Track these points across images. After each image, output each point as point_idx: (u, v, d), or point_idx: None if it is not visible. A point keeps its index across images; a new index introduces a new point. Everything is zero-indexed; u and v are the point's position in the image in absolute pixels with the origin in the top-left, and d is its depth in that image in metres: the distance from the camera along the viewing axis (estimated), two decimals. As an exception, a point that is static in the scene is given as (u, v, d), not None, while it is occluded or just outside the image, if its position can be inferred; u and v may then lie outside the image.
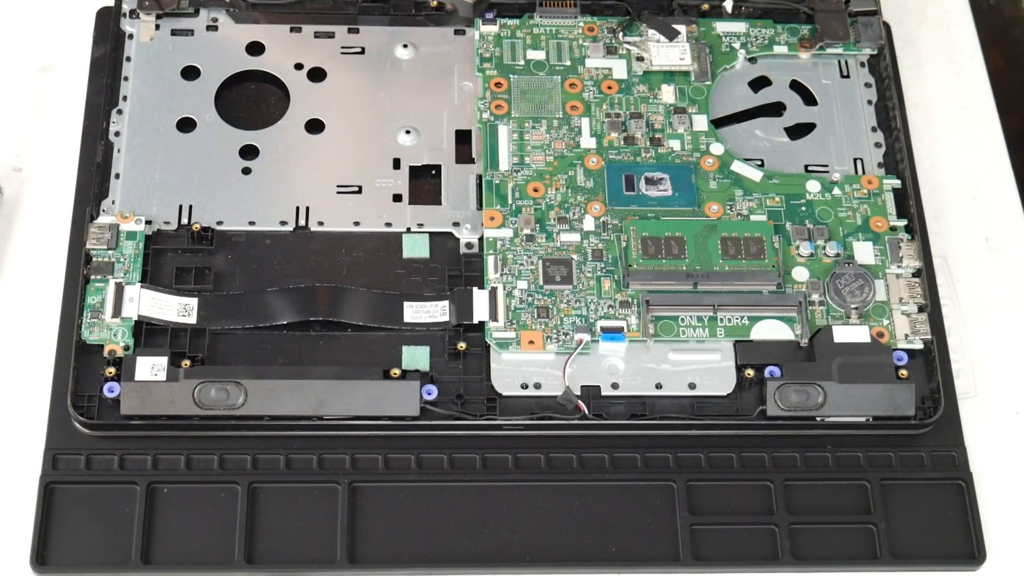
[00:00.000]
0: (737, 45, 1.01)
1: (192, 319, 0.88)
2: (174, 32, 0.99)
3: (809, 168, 0.97)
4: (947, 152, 1.02)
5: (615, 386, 0.88)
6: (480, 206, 0.94)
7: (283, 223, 0.93)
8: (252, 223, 0.93)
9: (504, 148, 0.95)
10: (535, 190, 0.94)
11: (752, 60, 1.01)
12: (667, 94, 0.98)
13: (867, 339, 0.89)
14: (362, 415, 0.86)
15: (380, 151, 0.96)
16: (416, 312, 0.90)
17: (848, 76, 1.00)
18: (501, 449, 0.87)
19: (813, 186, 0.95)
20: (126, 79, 0.97)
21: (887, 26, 1.03)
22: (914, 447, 0.88)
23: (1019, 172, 1.02)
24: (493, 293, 0.90)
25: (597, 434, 0.87)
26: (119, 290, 0.88)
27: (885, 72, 1.00)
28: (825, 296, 0.91)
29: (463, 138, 0.97)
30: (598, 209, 0.93)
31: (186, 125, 0.96)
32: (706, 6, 1.02)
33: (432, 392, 0.87)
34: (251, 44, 1.00)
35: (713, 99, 0.99)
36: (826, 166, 0.97)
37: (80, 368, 0.86)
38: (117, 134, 0.95)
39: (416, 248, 0.92)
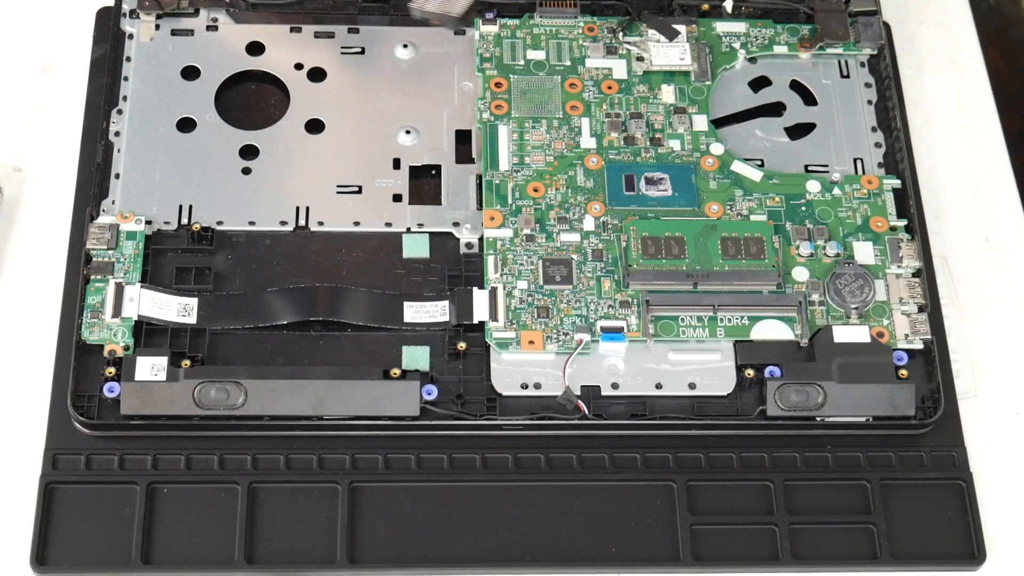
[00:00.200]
0: (737, 45, 1.01)
1: (192, 319, 0.88)
2: (174, 32, 0.99)
3: (809, 168, 0.97)
4: (947, 152, 1.02)
5: (615, 386, 0.88)
6: (480, 206, 0.94)
7: (283, 223, 0.93)
8: (252, 223, 0.93)
9: (504, 148, 0.95)
10: (535, 190, 0.94)
11: (752, 60, 1.01)
12: (667, 94, 0.98)
13: (867, 339, 0.89)
14: (362, 415, 0.86)
15: (380, 151, 0.96)
16: (416, 312, 0.90)
17: (848, 76, 1.00)
18: (501, 449, 0.87)
19: (813, 186, 0.95)
20: (126, 79, 0.97)
21: (887, 26, 1.03)
22: (914, 447, 0.88)
23: (1019, 172, 1.02)
24: (493, 293, 0.90)
25: (597, 434, 0.87)
26: (119, 290, 0.88)
27: (885, 72, 1.00)
28: (825, 296, 0.91)
29: (463, 138, 0.97)
30: (598, 209, 0.93)
31: (186, 125, 0.96)
32: (706, 6, 1.02)
33: (432, 392, 0.87)
34: (251, 44, 1.00)
35: (713, 99, 0.99)
36: (826, 166, 0.97)
37: (80, 368, 0.86)
38: (117, 134, 0.95)
39: (416, 248, 0.92)
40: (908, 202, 0.95)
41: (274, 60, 0.99)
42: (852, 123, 0.99)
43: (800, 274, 0.92)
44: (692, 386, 0.88)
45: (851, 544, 0.86)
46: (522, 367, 0.88)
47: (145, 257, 0.90)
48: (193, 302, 0.89)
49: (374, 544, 0.84)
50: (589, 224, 0.93)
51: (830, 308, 0.91)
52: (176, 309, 0.88)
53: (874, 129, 0.98)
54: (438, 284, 0.91)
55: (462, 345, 0.89)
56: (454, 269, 0.92)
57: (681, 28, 1.01)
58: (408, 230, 0.93)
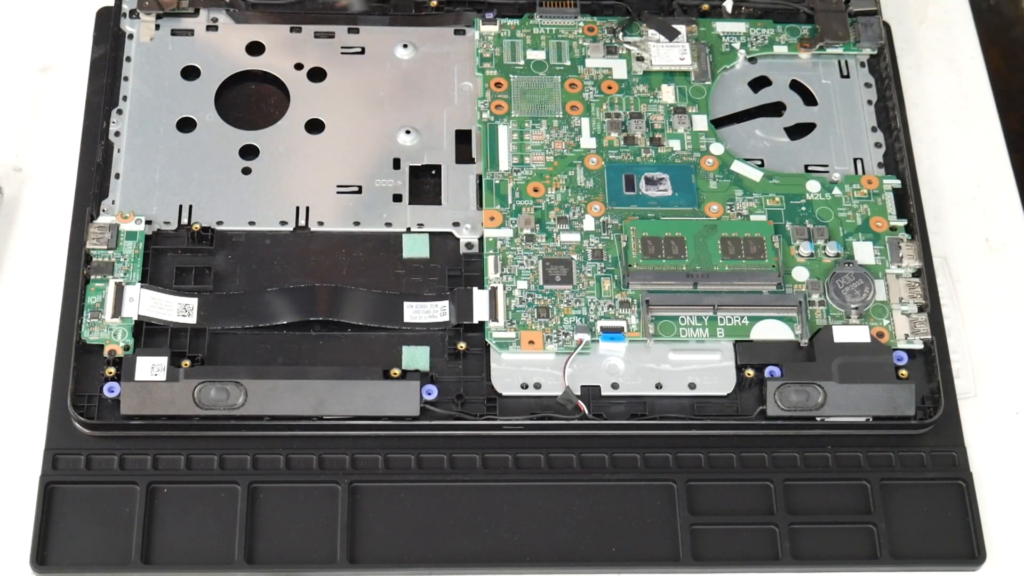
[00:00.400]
0: (737, 45, 1.01)
1: (192, 319, 0.88)
2: (174, 32, 0.99)
3: (809, 168, 0.97)
4: (947, 152, 1.02)
5: (615, 386, 0.88)
6: (480, 206, 0.94)
7: (283, 223, 0.93)
8: (252, 223, 0.93)
9: (504, 148, 0.95)
10: (535, 190, 0.94)
11: (752, 60, 1.01)
12: (667, 94, 0.98)
13: (867, 339, 0.89)
14: (362, 415, 0.86)
15: (380, 151, 0.96)
16: (416, 312, 0.90)
17: (848, 76, 1.00)
18: (501, 449, 0.87)
19: (813, 186, 0.95)
20: (126, 79, 0.97)
21: (887, 26, 1.03)
22: (914, 447, 0.88)
23: (1019, 172, 1.02)
24: (493, 293, 0.90)
25: (597, 434, 0.87)
26: (119, 290, 0.88)
27: (885, 72, 1.00)
28: (825, 296, 0.91)
29: (463, 138, 0.97)
30: (598, 209, 0.93)
31: (186, 125, 0.96)
32: (706, 6, 1.02)
33: (432, 392, 0.87)
34: (251, 44, 1.00)
35: (713, 99, 0.99)
36: (826, 166, 0.97)
37: (80, 368, 0.86)
38: (117, 134, 0.95)
39: (416, 248, 0.92)
40: (908, 202, 0.95)
41: (274, 60, 0.99)
42: (852, 123, 0.99)
43: (800, 274, 0.92)
44: (692, 386, 0.88)
45: (851, 544, 0.86)
46: (522, 367, 0.88)
47: (145, 257, 0.90)
48: (193, 302, 0.89)
49: (374, 544, 0.84)
50: (589, 224, 0.93)
51: (830, 308, 0.91)
52: (176, 309, 0.88)
53: (874, 129, 0.98)
54: (438, 284, 0.91)
55: (462, 345, 0.89)
56: (454, 269, 0.92)
57: (681, 28, 1.01)
58: (408, 230, 0.93)
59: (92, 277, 0.89)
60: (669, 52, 1.00)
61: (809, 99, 1.00)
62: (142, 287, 0.88)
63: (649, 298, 0.90)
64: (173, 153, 0.95)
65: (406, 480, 0.86)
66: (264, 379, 0.86)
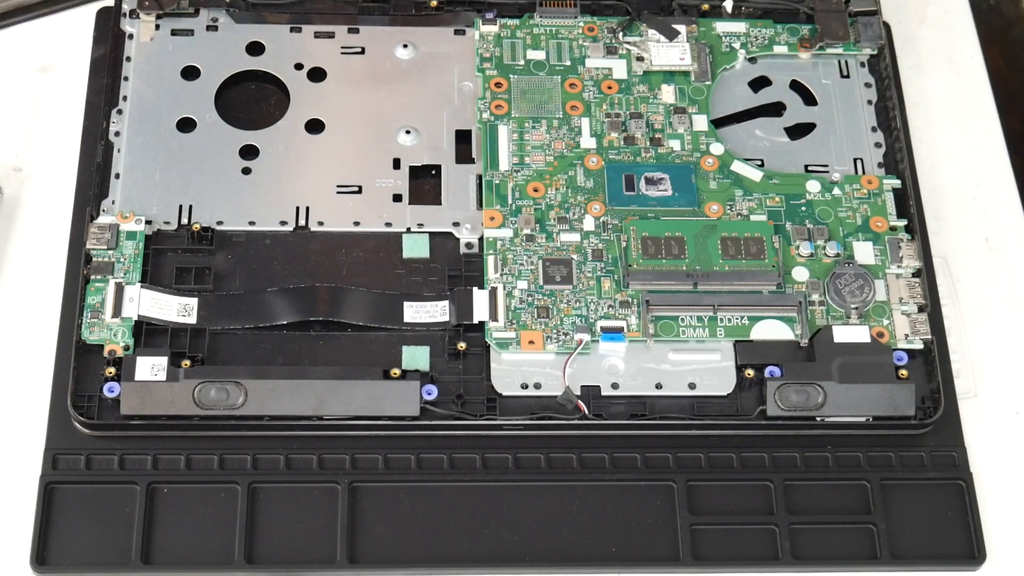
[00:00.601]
0: (737, 45, 1.01)
1: (192, 319, 0.88)
2: (174, 32, 0.99)
3: (809, 168, 0.97)
4: (947, 152, 1.02)
5: (615, 386, 0.88)
6: (480, 206, 0.94)
7: (283, 223, 0.93)
8: (252, 223, 0.93)
9: (504, 148, 0.95)
10: (535, 190, 0.94)
11: (752, 60, 1.01)
12: (667, 94, 0.98)
13: (867, 339, 0.89)
14: (362, 415, 0.86)
15: (380, 151, 0.96)
16: (416, 312, 0.90)
17: (848, 76, 1.00)
18: (501, 449, 0.87)
19: (813, 186, 0.95)
20: (126, 79, 0.97)
21: (887, 26, 1.03)
22: (914, 447, 0.88)
23: (1019, 172, 1.02)
24: (493, 293, 0.90)
25: (597, 434, 0.87)
26: (119, 290, 0.88)
27: (885, 72, 1.00)
28: (825, 296, 0.91)
29: (463, 138, 0.97)
30: (598, 209, 0.93)
31: (186, 125, 0.96)
32: (706, 6, 1.02)
33: (432, 392, 0.87)
34: (251, 44, 1.00)
35: (713, 99, 0.99)
36: (826, 166, 0.97)
37: (80, 368, 0.86)
38: (117, 134, 0.95)
39: (416, 248, 0.92)
40: (908, 202, 0.95)
41: (274, 60, 0.99)
42: (852, 123, 0.99)
43: (800, 274, 0.92)
44: (692, 386, 0.88)
45: (851, 544, 0.86)
46: (522, 367, 0.88)
47: (145, 257, 0.90)
48: (193, 302, 0.89)
49: (374, 544, 0.84)
50: (589, 224, 0.93)
51: (830, 308, 0.91)
52: (176, 309, 0.88)
53: (874, 129, 0.98)
54: (438, 284, 0.91)
55: (462, 345, 0.89)
56: (454, 269, 0.92)
57: (681, 28, 1.01)
58: (408, 230, 0.93)
59: (92, 277, 0.89)
60: (669, 52, 1.00)
61: (809, 99, 1.00)
62: (142, 287, 0.88)
63: (649, 298, 0.90)
64: (173, 153, 0.95)
65: (406, 480, 0.86)
66: (264, 379, 0.86)
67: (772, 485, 0.87)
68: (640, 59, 1.00)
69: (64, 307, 0.89)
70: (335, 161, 0.95)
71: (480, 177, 0.95)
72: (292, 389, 0.86)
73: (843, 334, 0.89)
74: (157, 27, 0.99)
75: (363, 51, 1.00)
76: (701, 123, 0.97)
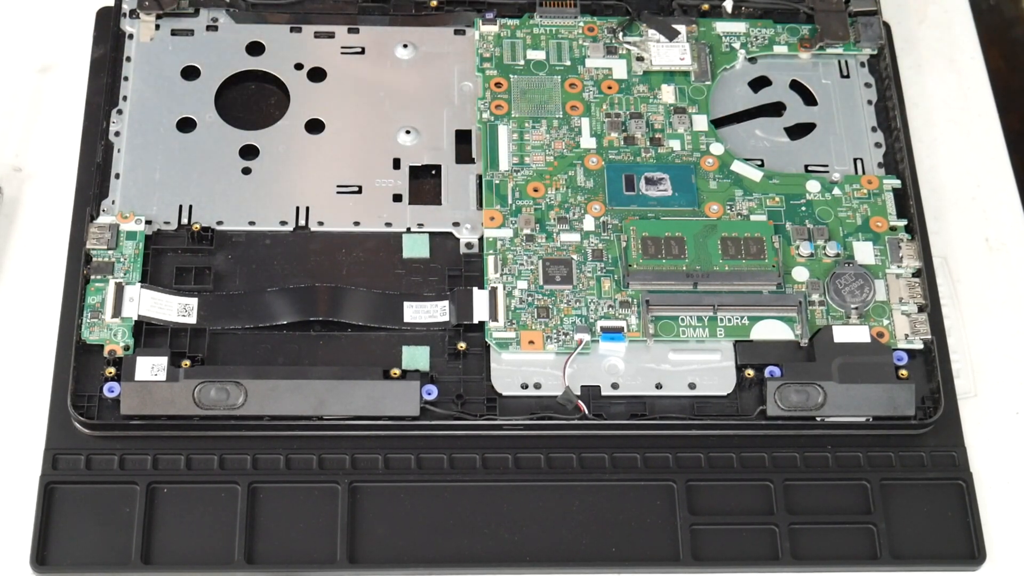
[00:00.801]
0: (737, 45, 1.01)
1: (192, 319, 0.88)
2: (174, 32, 0.99)
3: (809, 168, 0.97)
4: (947, 152, 1.02)
5: (615, 386, 0.88)
6: (480, 206, 0.94)
7: (283, 223, 0.93)
8: (252, 223, 0.93)
9: (504, 148, 0.95)
10: (535, 190, 0.94)
11: (752, 60, 1.01)
12: (667, 94, 0.98)
13: (867, 339, 0.89)
14: (362, 415, 0.86)
15: (380, 151, 0.96)
16: (416, 312, 0.90)
17: (848, 76, 1.00)
18: (501, 449, 0.87)
19: (813, 186, 0.95)
20: (126, 79, 0.97)
21: (887, 26, 1.03)
22: (914, 447, 0.88)
23: (1019, 172, 1.02)
24: (493, 293, 0.90)
25: (597, 434, 0.87)
26: (119, 290, 0.88)
27: (885, 72, 1.00)
28: (825, 296, 0.91)
29: (463, 138, 0.97)
30: (598, 209, 0.93)
31: (186, 125, 0.96)
32: (706, 6, 1.02)
33: (432, 392, 0.87)
34: (251, 44, 1.00)
35: (713, 99, 0.99)
36: (826, 166, 0.97)
37: (80, 368, 0.86)
38: (117, 134, 0.95)
39: (416, 248, 0.92)
40: (908, 202, 0.95)
41: (274, 60, 0.99)
42: (852, 123, 0.99)
43: (800, 274, 0.92)
44: (692, 386, 0.88)
45: (851, 544, 0.86)
46: (522, 367, 0.88)
47: (145, 257, 0.90)
48: (193, 302, 0.89)
49: (374, 544, 0.84)
50: (589, 224, 0.93)
51: (830, 308, 0.91)
52: (176, 309, 0.88)
53: (874, 129, 0.98)
54: (438, 284, 0.91)
55: (462, 345, 0.89)
56: (454, 269, 0.92)
57: (681, 28, 1.01)
58: (408, 230, 0.93)
59: (92, 277, 0.89)
60: (669, 52, 1.00)
61: (809, 99, 1.00)
62: (142, 287, 0.88)
63: (649, 298, 0.90)
64: (173, 153, 0.95)
65: (406, 480, 0.86)
66: (264, 379, 0.86)
67: (772, 485, 0.87)
68: (640, 59, 1.00)
69: (64, 307, 0.89)
70: (335, 161, 0.95)
71: (480, 177, 0.95)
72: (292, 389, 0.86)
73: (843, 334, 0.89)
74: (157, 27, 0.99)
75: (363, 51, 1.00)
76: (701, 123, 0.97)
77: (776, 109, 1.00)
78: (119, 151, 0.94)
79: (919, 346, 0.90)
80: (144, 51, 0.98)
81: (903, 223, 0.94)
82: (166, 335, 0.88)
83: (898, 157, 0.97)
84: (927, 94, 1.04)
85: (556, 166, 0.95)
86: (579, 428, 0.87)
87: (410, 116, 0.97)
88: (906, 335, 0.90)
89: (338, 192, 0.94)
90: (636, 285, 0.90)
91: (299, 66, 0.99)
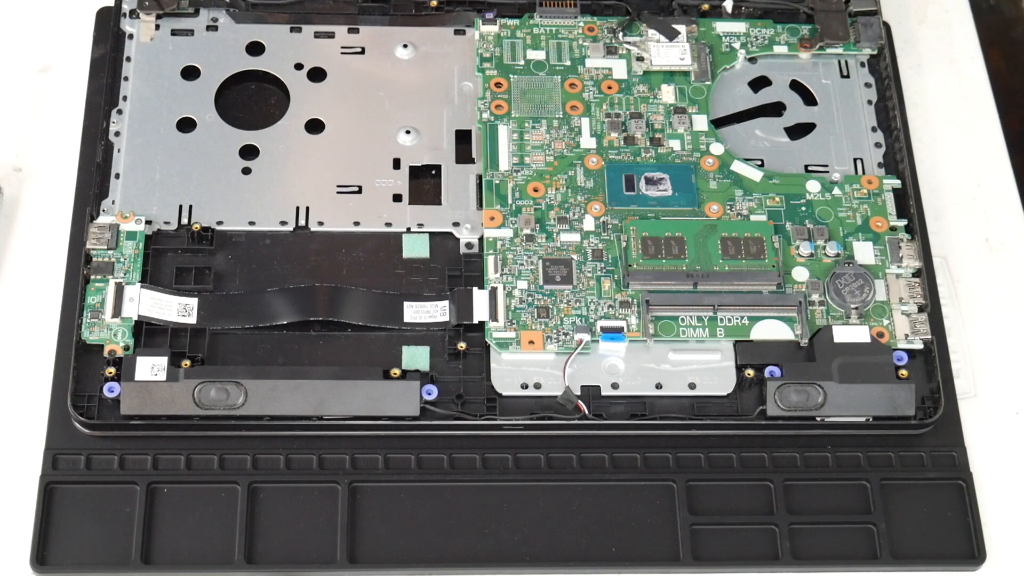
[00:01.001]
0: (737, 45, 1.01)
1: (192, 319, 0.88)
2: (174, 32, 0.99)
3: (809, 168, 0.97)
4: (947, 152, 1.02)
5: (615, 386, 0.88)
6: (480, 206, 0.94)
7: (283, 223, 0.93)
8: (252, 223, 0.93)
9: (504, 148, 0.95)
10: (535, 190, 0.94)
11: (752, 60, 1.01)
12: (667, 94, 0.98)
13: (867, 339, 0.89)
14: (362, 415, 0.86)
15: (380, 151, 0.96)
16: (416, 312, 0.90)
17: (848, 76, 1.00)
18: (501, 449, 0.87)
19: (813, 186, 0.95)
20: (126, 79, 0.97)
21: (887, 26, 1.03)
22: (914, 447, 0.88)
23: (1019, 172, 1.02)
24: (493, 293, 0.90)
25: (597, 434, 0.87)
26: (119, 290, 0.88)
27: (885, 72, 1.00)
28: (825, 296, 0.91)
29: (463, 138, 0.97)
30: (598, 209, 0.93)
31: (186, 125, 0.96)
32: (706, 6, 1.02)
33: (432, 392, 0.87)
34: (251, 44, 1.00)
35: (713, 99, 0.99)
36: (826, 166, 0.97)
37: (80, 368, 0.86)
38: (117, 134, 0.95)
39: (416, 248, 0.92)
40: (908, 202, 0.95)
41: (274, 60, 0.99)
42: (852, 123, 0.99)
43: (800, 274, 0.92)
44: (692, 386, 0.88)
45: (851, 544, 0.86)
46: (522, 367, 0.88)
47: (145, 257, 0.90)
48: (193, 302, 0.89)
49: (374, 544, 0.84)
50: (589, 224, 0.93)
51: (830, 308, 0.91)
52: (176, 309, 0.88)
53: (874, 129, 0.98)
54: (438, 284, 0.91)
55: (462, 345, 0.89)
56: (454, 269, 0.92)
57: (681, 28, 1.01)
58: (408, 230, 0.93)
59: (92, 277, 0.89)
60: (669, 52, 1.00)
61: (809, 99, 1.00)
62: (142, 287, 0.88)
63: (649, 298, 0.90)
64: (173, 153, 0.95)
65: (406, 480, 0.86)
66: (264, 379, 0.86)
67: (772, 485, 0.87)
68: (640, 59, 1.00)
69: (64, 307, 0.89)
70: (335, 161, 0.95)
71: (480, 177, 0.95)
72: (292, 389, 0.86)
73: (843, 334, 0.89)
74: (157, 27, 0.99)
75: (363, 51, 1.00)
76: (701, 123, 0.97)
77: (776, 109, 1.00)
78: (119, 151, 0.94)
79: (919, 346, 0.90)
80: (144, 51, 0.98)
81: (903, 223, 0.94)
82: (166, 335, 0.88)
83: (898, 157, 0.97)
84: (927, 94, 1.04)
85: (556, 166, 0.95)
86: (579, 428, 0.87)
87: (410, 116, 0.97)
88: (906, 335, 0.90)
89: (338, 192, 0.94)
90: (636, 285, 0.90)
91: (299, 66, 0.99)
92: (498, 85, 0.98)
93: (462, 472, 0.86)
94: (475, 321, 0.89)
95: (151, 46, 0.99)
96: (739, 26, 1.01)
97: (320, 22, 1.01)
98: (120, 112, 0.96)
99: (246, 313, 0.89)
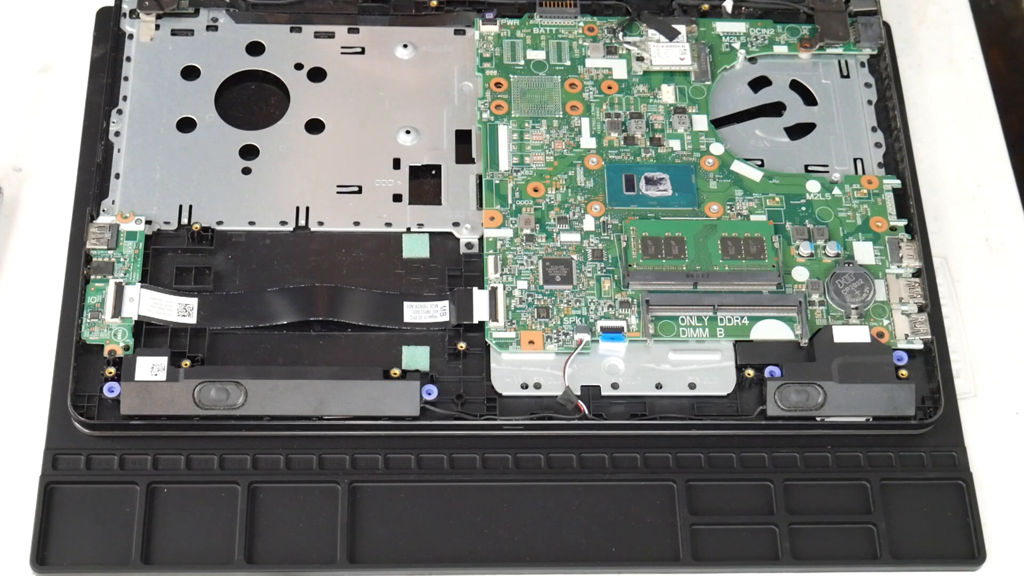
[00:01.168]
0: (737, 45, 1.01)
1: (192, 319, 0.88)
2: (174, 32, 0.99)
3: (809, 168, 0.97)
4: (947, 152, 1.02)
5: (615, 386, 0.88)
6: (480, 206, 0.94)
7: (283, 223, 0.93)
8: (252, 223, 0.93)
9: (504, 148, 0.95)
10: (535, 190, 0.94)
11: (752, 60, 1.01)
12: (667, 94, 0.98)
13: (867, 339, 0.89)
14: (362, 415, 0.86)
15: (380, 151, 0.96)
16: (416, 312, 0.90)
17: (848, 76, 1.00)
18: (501, 449, 0.87)
19: (813, 186, 0.95)
20: (126, 79, 0.97)
21: (887, 26, 1.03)
22: (914, 447, 0.88)
23: (1019, 172, 1.02)
24: (493, 293, 0.90)
25: (597, 434, 0.87)
26: (119, 290, 0.88)
27: (885, 72, 1.00)
28: (825, 296, 0.91)
29: (463, 138, 0.97)
30: (598, 209, 0.93)
31: (186, 125, 0.96)
32: (706, 6, 1.02)
33: (432, 392, 0.87)
34: (251, 44, 1.00)
35: (713, 99, 0.99)
36: (826, 166, 0.97)
37: (80, 368, 0.86)
38: (117, 134, 0.95)
39: (416, 248, 0.92)
40: (908, 202, 0.95)
41: (274, 60, 0.99)
42: (852, 123, 0.99)
43: (800, 274, 0.92)
44: (692, 386, 0.88)
45: (851, 544, 0.86)
46: (522, 367, 0.88)
47: (145, 257, 0.90)
48: (193, 302, 0.89)
49: (374, 544, 0.84)
50: (589, 224, 0.93)
51: (830, 308, 0.91)
52: (176, 309, 0.88)
53: (874, 129, 0.98)
54: (438, 284, 0.91)
55: (462, 345, 0.89)
56: (454, 269, 0.92)
57: (681, 28, 1.01)
58: (408, 230, 0.93)
59: (92, 277, 0.89)
60: (669, 52, 1.00)
61: (809, 99, 1.00)
62: (142, 287, 0.88)
63: (649, 298, 0.90)
64: (173, 153, 0.95)
65: (406, 480, 0.86)
66: (264, 379, 0.86)
67: (772, 485, 0.87)
68: (640, 59, 1.00)
69: (64, 307, 0.89)
70: (335, 161, 0.95)
71: (480, 177, 0.95)
72: (292, 389, 0.86)
73: (843, 334, 0.89)
74: (157, 27, 0.99)
75: (363, 51, 1.00)
76: (701, 123, 0.97)
77: (776, 109, 1.00)
78: (119, 151, 0.94)
79: (919, 346, 0.90)
80: (144, 51, 0.98)
81: (903, 223, 0.94)
82: (166, 335, 0.88)
83: (898, 157, 0.97)
84: (927, 94, 1.04)
85: (556, 166, 0.95)
86: (579, 428, 0.87)
87: (410, 116, 0.97)
88: (906, 335, 0.90)
89: (338, 192, 0.94)
90: (636, 285, 0.90)
91: (299, 66, 0.99)
92: (498, 85, 0.98)
93: (462, 472, 0.86)
94: (475, 321, 0.89)
95: (151, 46, 0.99)
96: (739, 26, 1.02)
97: (320, 22, 1.01)
98: (120, 112, 0.96)
99: (246, 313, 0.89)
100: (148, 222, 0.91)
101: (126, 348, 0.87)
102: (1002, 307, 0.95)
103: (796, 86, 1.00)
